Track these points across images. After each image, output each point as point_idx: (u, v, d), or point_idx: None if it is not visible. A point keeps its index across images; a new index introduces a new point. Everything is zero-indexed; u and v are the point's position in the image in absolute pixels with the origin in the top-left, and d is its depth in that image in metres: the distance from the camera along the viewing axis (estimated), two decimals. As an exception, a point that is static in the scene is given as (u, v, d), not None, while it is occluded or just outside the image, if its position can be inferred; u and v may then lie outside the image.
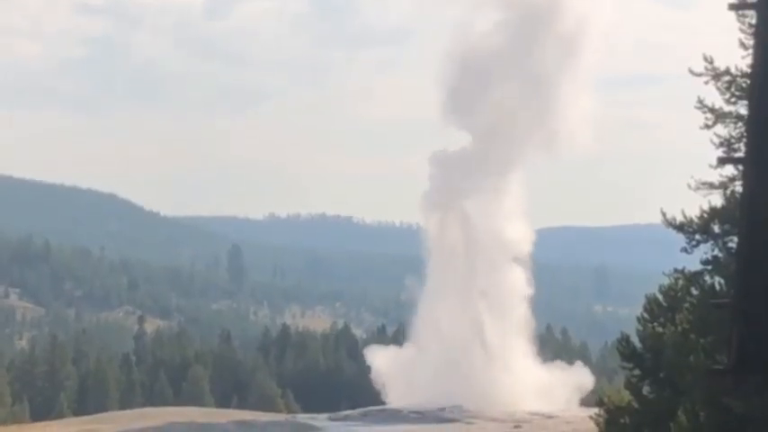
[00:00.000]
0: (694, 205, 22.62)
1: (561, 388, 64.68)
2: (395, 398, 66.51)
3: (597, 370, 78.81)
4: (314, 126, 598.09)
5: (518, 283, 68.19)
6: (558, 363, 69.87)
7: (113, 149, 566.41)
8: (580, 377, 66.49)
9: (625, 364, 25.77)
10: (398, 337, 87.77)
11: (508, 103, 67.72)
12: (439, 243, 69.49)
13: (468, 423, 57.75)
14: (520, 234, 68.59)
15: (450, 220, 69.40)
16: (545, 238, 67.53)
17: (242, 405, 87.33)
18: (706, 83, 21.50)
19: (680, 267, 24.24)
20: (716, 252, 22.74)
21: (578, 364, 71.12)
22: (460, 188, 68.10)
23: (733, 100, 21.43)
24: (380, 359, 70.71)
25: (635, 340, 25.56)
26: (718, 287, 22.83)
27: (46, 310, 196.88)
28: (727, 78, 21.28)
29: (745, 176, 12.10)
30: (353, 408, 67.48)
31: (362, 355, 79.69)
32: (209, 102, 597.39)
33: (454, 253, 68.45)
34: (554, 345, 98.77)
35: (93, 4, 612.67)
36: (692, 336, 22.44)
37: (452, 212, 69.24)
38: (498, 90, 68.21)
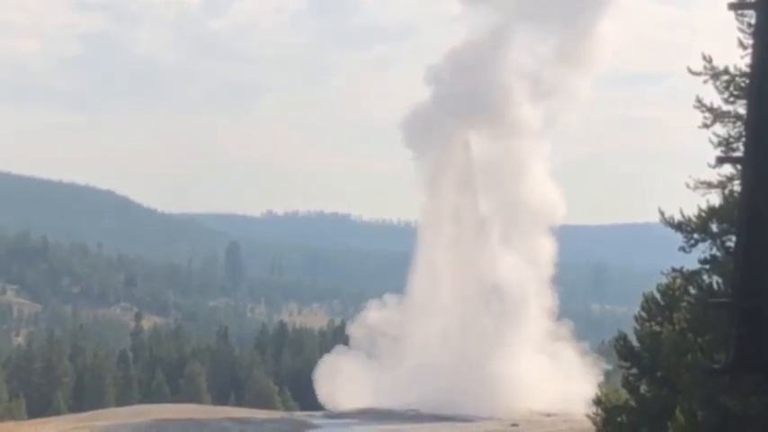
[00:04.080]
0: (692, 204, 22.63)
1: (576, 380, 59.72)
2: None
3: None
4: (312, 123, 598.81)
5: (539, 241, 60.72)
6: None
7: (111, 146, 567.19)
8: (592, 362, 62.35)
9: (622, 363, 25.76)
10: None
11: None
12: (437, 177, 59.73)
13: (466, 421, 57.60)
14: (540, 165, 59.27)
15: (452, 149, 59.73)
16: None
17: (239, 402, 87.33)
18: (705, 82, 21.50)
19: (678, 266, 24.21)
20: (714, 251, 22.72)
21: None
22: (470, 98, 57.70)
23: (732, 99, 21.42)
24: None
25: (632, 339, 25.56)
26: (716, 286, 22.81)
27: (43, 307, 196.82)
28: (725, 78, 21.28)
29: (743, 176, 12.08)
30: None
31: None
32: (208, 98, 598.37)
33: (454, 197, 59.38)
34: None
35: (90, 0, 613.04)
36: (690, 335, 22.41)
37: (456, 139, 59.23)
38: None
